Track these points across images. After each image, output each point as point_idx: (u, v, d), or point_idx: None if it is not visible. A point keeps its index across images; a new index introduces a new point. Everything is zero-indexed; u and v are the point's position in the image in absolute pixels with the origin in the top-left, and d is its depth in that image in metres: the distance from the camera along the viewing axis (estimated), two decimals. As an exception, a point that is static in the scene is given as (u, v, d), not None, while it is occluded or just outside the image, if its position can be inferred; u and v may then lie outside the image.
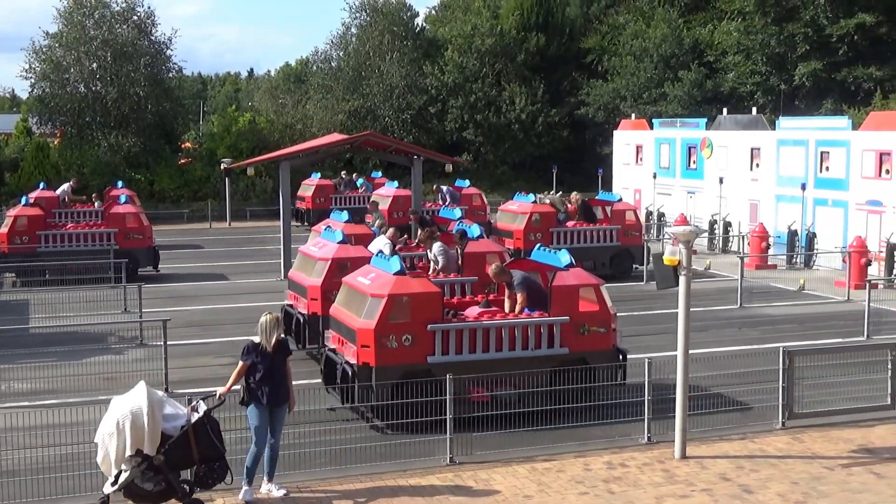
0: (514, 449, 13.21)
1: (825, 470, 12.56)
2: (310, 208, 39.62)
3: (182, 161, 50.24)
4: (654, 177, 39.77)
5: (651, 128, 42.08)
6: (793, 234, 31.16)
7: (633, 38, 54.05)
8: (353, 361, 14.09)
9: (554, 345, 14.63)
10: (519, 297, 15.06)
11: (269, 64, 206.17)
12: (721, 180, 35.35)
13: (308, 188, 41.55)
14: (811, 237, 30.83)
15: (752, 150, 35.18)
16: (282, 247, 28.32)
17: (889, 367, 14.55)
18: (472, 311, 15.19)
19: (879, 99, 41.27)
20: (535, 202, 28.01)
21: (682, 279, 12.88)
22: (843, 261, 27.30)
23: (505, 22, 58.40)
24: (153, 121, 49.99)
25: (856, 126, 31.81)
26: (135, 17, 50.17)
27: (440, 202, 35.38)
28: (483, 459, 12.87)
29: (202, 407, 11.12)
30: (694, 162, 38.66)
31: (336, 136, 34.93)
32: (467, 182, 38.02)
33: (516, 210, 28.17)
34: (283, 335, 11.75)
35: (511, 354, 14.37)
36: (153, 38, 50.85)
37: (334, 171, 48.47)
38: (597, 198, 30.35)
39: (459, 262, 18.51)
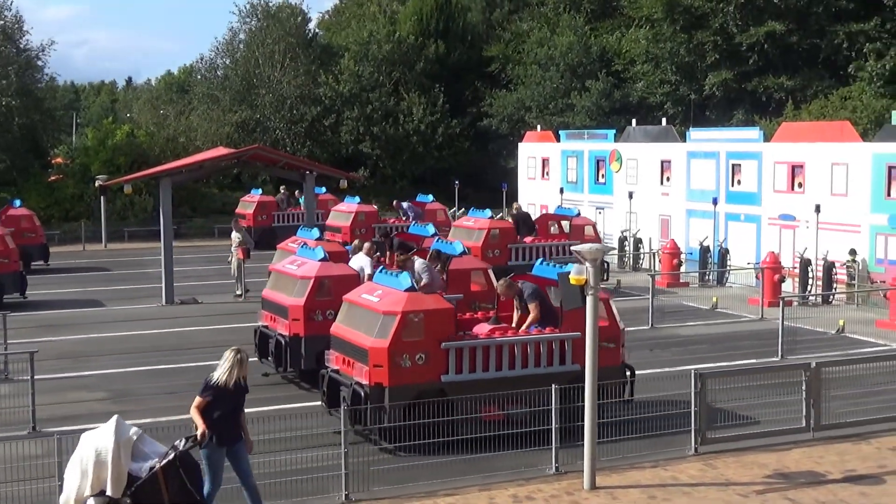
0: (414, 484, 13.11)
1: (739, 497, 12.73)
2: (251, 226, 38.90)
3: (52, 178, 49.03)
4: (562, 192, 40.24)
5: (558, 140, 42.60)
6: (705, 251, 31.82)
7: (537, 46, 54.71)
8: (365, 382, 14.35)
9: (566, 361, 15.15)
10: (532, 309, 15.48)
11: (150, 72, 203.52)
12: (631, 195, 35.93)
13: (248, 205, 40.93)
14: (724, 253, 31.50)
15: (662, 162, 35.86)
16: (163, 270, 27.81)
17: (804, 388, 14.86)
18: (482, 328, 15.49)
19: (791, 109, 42.49)
20: (491, 217, 28.44)
21: (589, 299, 12.96)
22: (757, 277, 27.95)
23: (403, 28, 58.62)
24: (21, 134, 48.71)
25: (767, 137, 32.67)
26: (0, 23, 48.91)
27: (403, 219, 35.48)
28: (379, 496, 12.74)
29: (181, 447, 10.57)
30: (603, 176, 39.22)
31: (222, 150, 34.51)
32: (430, 197, 38.14)
33: (472, 226, 28.36)
34: (244, 376, 11.35)
35: (524, 372, 14.86)
36: (22, 45, 49.62)
37: (275, 186, 47.72)
38: (553, 212, 30.69)
39: (444, 279, 18.77)
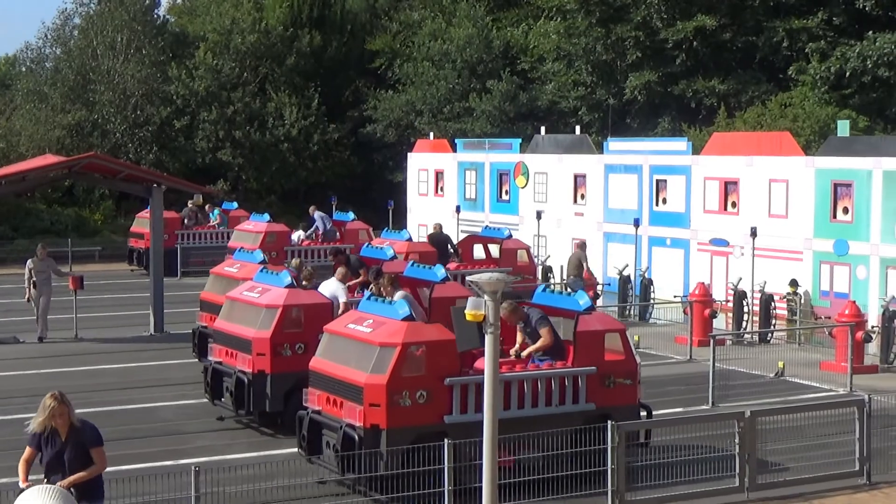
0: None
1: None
2: (150, 248, 37.63)
3: None
4: (458, 210, 40.44)
5: (454, 150, 42.84)
6: (625, 281, 32.25)
7: (430, 39, 55.01)
8: (358, 423, 14.69)
9: (579, 400, 15.86)
10: (544, 335, 16.11)
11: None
12: (539, 215, 36.29)
13: (145, 222, 39.85)
14: (646, 284, 31.96)
15: (575, 177, 36.31)
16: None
17: (737, 441, 15.11)
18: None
19: (723, 117, 43.38)
20: (409, 239, 28.54)
21: (488, 338, 12.99)
22: (685, 312, 28.41)
23: (271, 15, 58.38)
24: None
25: (697, 149, 33.34)
26: None
27: (318, 233, 35.42)
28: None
29: None
30: (506, 192, 39.53)
31: (50, 158, 33.88)
32: (351, 215, 37.91)
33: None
34: (80, 421, 11.26)
35: (535, 412, 15.51)
36: None
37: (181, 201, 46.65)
38: (480, 234, 30.78)
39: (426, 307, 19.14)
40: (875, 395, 16.63)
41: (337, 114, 57.58)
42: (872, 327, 25.76)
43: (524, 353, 16.38)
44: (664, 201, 33.26)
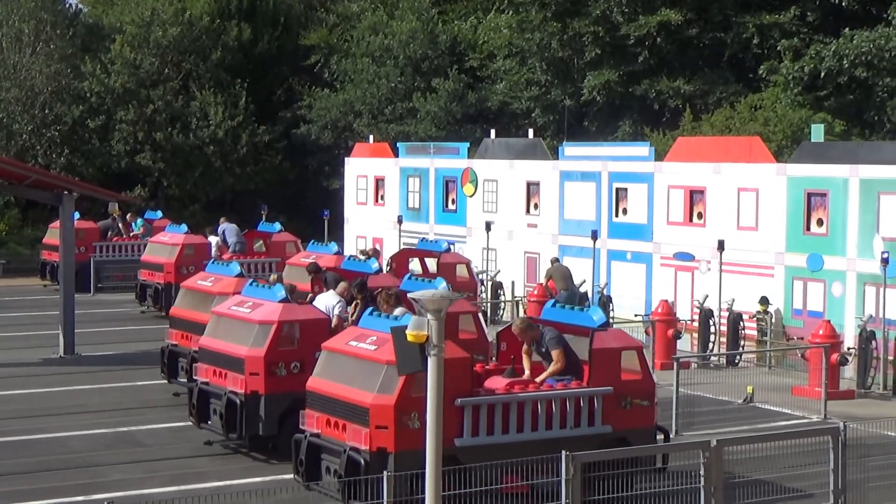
0: None
1: None
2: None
3: None
4: (400, 221, 40.44)
5: (395, 155, 42.86)
6: (582, 298, 32.36)
7: (370, 34, 55.02)
8: (364, 447, 15.13)
9: (595, 422, 16.38)
10: (556, 357, 16.63)
11: None
12: (488, 226, 36.38)
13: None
14: (605, 301, 32.10)
15: (528, 185, 36.43)
16: None
17: (702, 472, 15.19)
18: (496, 382, 16.43)
19: (689, 120, 43.65)
20: (338, 253, 28.71)
21: (431, 362, 13.01)
22: (647, 332, 28.57)
23: (195, 6, 58.15)
24: None
25: (660, 155, 33.57)
26: None
27: (218, 251, 35.30)
28: None
29: None
30: (453, 201, 39.57)
31: (-52, 161, 33.43)
32: (278, 226, 37.68)
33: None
34: None
35: (548, 434, 16.02)
36: None
37: (96, 209, 46.08)
38: (417, 247, 30.76)
39: None
40: (851, 422, 16.77)
41: (268, 114, 57.37)
42: (848, 349, 26.03)
43: (539, 379, 16.86)
44: (624, 212, 33.44)
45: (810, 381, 24.73)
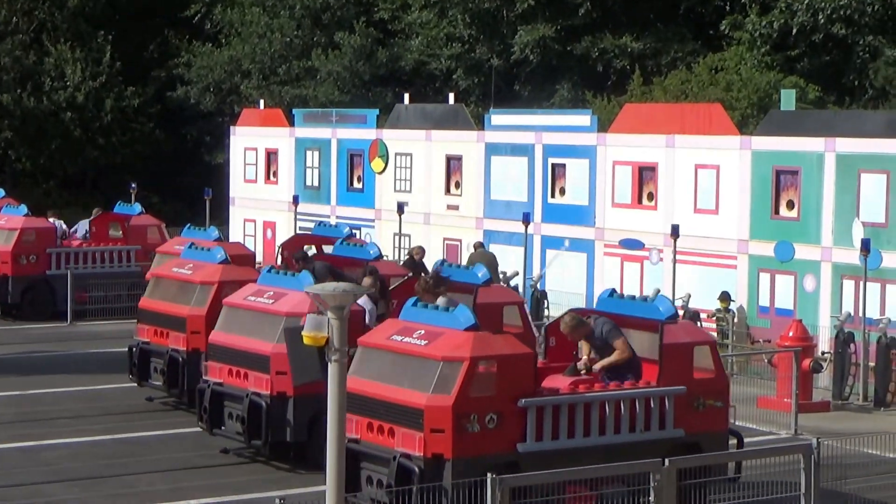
0: None
1: None
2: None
3: None
4: (295, 202, 40.27)
5: (291, 123, 42.68)
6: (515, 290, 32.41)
7: (261, -22, 54.78)
8: (417, 453, 15.75)
9: (666, 425, 17.12)
10: (619, 344, 17.40)
11: None
12: (401, 208, 36.31)
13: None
14: (539, 297, 32.15)
15: (448, 160, 36.42)
16: None
17: (651, 497, 15.30)
18: (557, 381, 17.14)
19: (638, 84, 43.85)
20: (218, 239, 28.56)
21: (332, 368, 12.98)
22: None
23: (49, -58, 57.50)
24: None
25: (604, 125, 33.70)
26: None
27: (76, 235, 35.77)
28: None
29: None
30: (359, 179, 39.47)
31: None
32: (138, 207, 37.08)
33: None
34: None
35: (616, 439, 16.79)
36: None
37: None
38: (313, 232, 30.63)
39: None
40: (826, 438, 16.93)
41: (137, 74, 56.89)
42: (823, 354, 26.26)
43: (596, 367, 17.46)
44: (562, 192, 33.53)
45: (778, 391, 24.93)
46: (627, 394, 16.97)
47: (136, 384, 24.36)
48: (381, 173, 38.45)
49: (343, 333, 13.01)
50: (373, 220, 38.32)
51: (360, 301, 20.50)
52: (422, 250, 30.65)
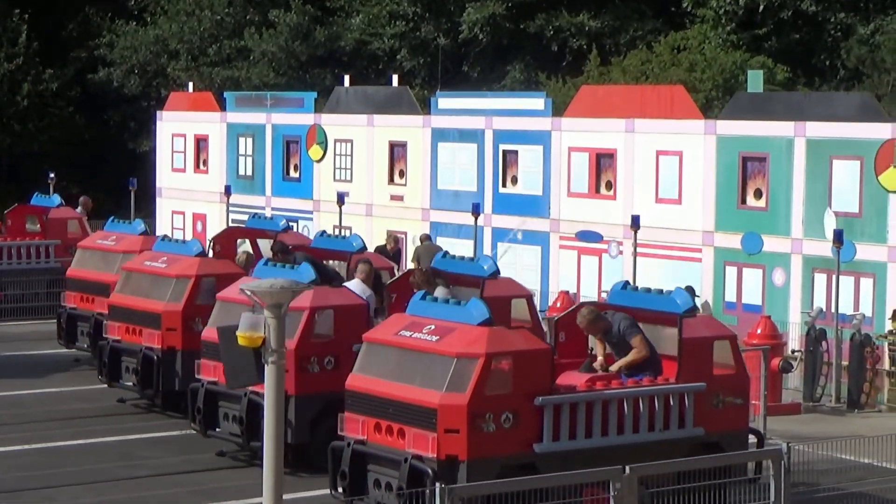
0: None
1: None
2: None
3: None
4: (228, 193, 40.14)
5: (222, 108, 42.54)
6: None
7: (190, -50, 54.58)
8: (431, 455, 15.98)
9: (686, 424, 17.46)
10: (636, 344, 17.72)
11: None
12: (341, 198, 36.25)
13: None
14: (490, 294, 32.22)
15: (392, 147, 36.38)
16: None
17: (612, 508, 15.39)
18: (573, 378, 17.42)
19: (595, 65, 43.91)
20: (144, 233, 28.50)
21: (269, 371, 12.95)
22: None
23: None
24: None
25: (559, 109, 33.75)
26: None
27: None
28: None
29: None
30: (296, 168, 39.37)
31: None
32: (56, 199, 36.78)
33: (115, 247, 29.37)
34: None
35: (635, 438, 17.08)
36: None
37: None
38: (246, 225, 30.50)
39: None
40: (796, 443, 17.01)
41: (56, 55, 56.56)
42: (793, 352, 26.41)
43: (613, 368, 17.76)
44: (514, 181, 33.56)
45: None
46: (647, 391, 17.28)
47: (105, 386, 24.48)
48: (319, 161, 38.37)
49: (281, 333, 12.99)
50: (311, 212, 38.25)
51: (360, 293, 21.02)
52: (396, 240, 30.73)
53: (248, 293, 13.07)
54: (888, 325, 26.78)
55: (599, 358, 18.15)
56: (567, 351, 18.68)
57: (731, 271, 29.17)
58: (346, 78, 40.82)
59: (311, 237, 27.84)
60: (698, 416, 17.52)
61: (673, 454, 16.28)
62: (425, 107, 37.01)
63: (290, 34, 50.83)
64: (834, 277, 26.29)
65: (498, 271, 22.41)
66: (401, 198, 36.08)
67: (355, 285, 21.55)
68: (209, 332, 20.67)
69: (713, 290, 29.31)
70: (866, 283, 27.39)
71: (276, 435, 13.20)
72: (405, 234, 35.43)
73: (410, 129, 35.96)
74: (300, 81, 48.99)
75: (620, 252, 30.67)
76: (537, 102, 33.89)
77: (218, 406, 20.44)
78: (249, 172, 40.76)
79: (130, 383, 23.75)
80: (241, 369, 13.23)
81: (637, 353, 17.69)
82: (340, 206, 35.71)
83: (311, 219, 38.12)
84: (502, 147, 33.66)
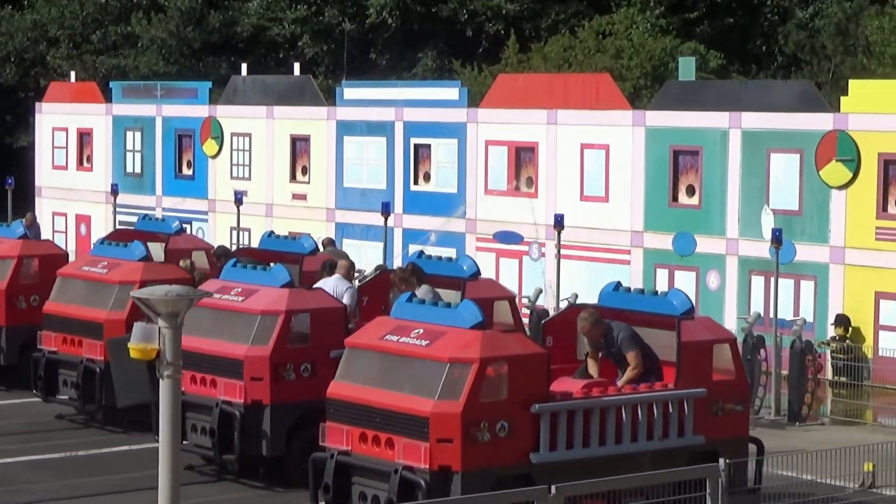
0: None
1: None
2: None
3: None
4: (114, 192, 39.92)
5: (107, 99, 42.30)
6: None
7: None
8: (422, 466, 16.09)
9: (686, 431, 17.69)
10: (632, 360, 17.87)
11: None
12: (239, 198, 36.11)
13: None
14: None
15: (294, 141, 36.30)
16: None
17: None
18: (567, 384, 17.55)
19: (514, 52, 44.01)
20: (24, 236, 28.22)
21: (164, 385, 12.87)
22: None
23: None
24: None
25: (475, 99, 33.82)
26: None
27: None
28: None
29: None
30: (189, 164, 39.20)
31: None
32: None
33: None
34: None
35: (634, 448, 17.30)
36: None
37: None
38: (137, 227, 30.32)
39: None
40: (734, 459, 17.12)
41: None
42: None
43: (620, 384, 18.02)
44: (426, 177, 33.57)
45: (679, 406, 25.19)
46: (646, 397, 17.48)
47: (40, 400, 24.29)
48: (214, 157, 38.25)
49: (177, 344, 12.90)
50: (206, 213, 38.12)
51: (336, 289, 21.19)
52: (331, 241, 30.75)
53: (140, 303, 12.96)
54: (831, 332, 27.09)
55: (592, 366, 18.29)
56: (555, 356, 18.67)
57: (661, 274, 29.31)
58: (244, 66, 40.68)
59: (206, 240, 27.72)
60: (698, 423, 17.75)
61: (672, 464, 16.50)
62: (330, 98, 36.97)
63: (182, 19, 50.66)
64: (772, 280, 26.41)
65: (479, 272, 22.75)
66: (304, 197, 36.01)
67: (335, 282, 21.74)
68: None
69: (643, 294, 29.42)
70: (807, 287, 27.63)
71: (173, 455, 13.10)
72: (309, 236, 35.32)
73: (314, 121, 35.88)
74: (193, 70, 48.82)
75: (542, 254, 30.76)
76: (451, 92, 33.90)
77: (185, 417, 19.53)
78: (138, 170, 40.54)
79: (68, 397, 23.55)
80: (133, 384, 13.20)
81: (632, 370, 17.85)
82: (238, 207, 35.56)
83: (205, 220, 37.98)
84: (414, 141, 33.65)
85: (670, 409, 17.59)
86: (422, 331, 16.96)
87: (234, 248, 35.72)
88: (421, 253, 24.21)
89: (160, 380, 12.94)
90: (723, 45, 43.50)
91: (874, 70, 39.92)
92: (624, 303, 18.73)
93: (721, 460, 16.35)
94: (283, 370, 19.60)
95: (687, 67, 31.66)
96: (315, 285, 21.78)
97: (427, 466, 16.03)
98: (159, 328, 12.86)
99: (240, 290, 20.59)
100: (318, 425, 17.53)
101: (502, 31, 45.91)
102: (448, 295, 21.04)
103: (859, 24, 42.13)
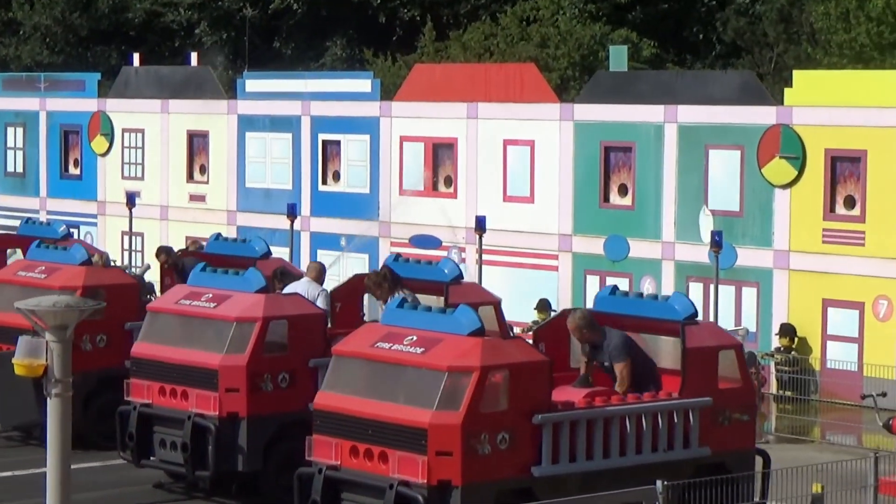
0: None
1: None
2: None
3: None
4: (-4, 193, 39.81)
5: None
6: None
7: None
8: (420, 481, 16.23)
9: (691, 443, 18.00)
10: (620, 371, 18.13)
11: None
12: (132, 199, 35.95)
13: None
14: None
15: (191, 137, 36.24)
16: None
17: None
18: (568, 393, 17.76)
19: (430, 40, 44.06)
20: None
21: (52, 405, 12.79)
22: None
23: None
24: None
25: (389, 91, 33.93)
26: None
27: None
28: None
29: None
30: (77, 163, 39.02)
31: None
32: None
33: None
34: None
35: (638, 460, 17.55)
36: None
37: None
38: (19, 232, 30.20)
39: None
40: (673, 480, 17.19)
41: None
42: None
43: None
44: (336, 177, 33.55)
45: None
46: (651, 406, 17.71)
47: None
48: (104, 155, 38.10)
49: (66, 360, 12.81)
50: (95, 216, 37.93)
51: (311, 296, 21.48)
52: (201, 248, 30.55)
53: (26, 313, 12.86)
54: (775, 342, 27.24)
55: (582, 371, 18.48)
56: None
57: (592, 281, 29.39)
58: (136, 56, 40.62)
59: (98, 246, 27.57)
60: (704, 434, 18.03)
61: (677, 477, 16.42)
62: (230, 90, 36.90)
63: (68, 4, 50.54)
64: (712, 287, 26.59)
65: (461, 275, 22.95)
66: (202, 198, 35.92)
67: (305, 285, 22.07)
68: (140, 348, 20.90)
69: (572, 302, 29.46)
70: (749, 293, 27.81)
71: (63, 479, 13.05)
72: (206, 241, 35.20)
73: (213, 116, 35.83)
74: (80, 61, 48.70)
75: (463, 259, 30.76)
76: (363, 84, 33.89)
77: (153, 432, 20.40)
78: (20, 169, 40.33)
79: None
80: (18, 404, 13.06)
81: (619, 384, 18.04)
82: (130, 209, 35.42)
83: (94, 224, 37.84)
84: (322, 137, 33.64)
85: (675, 419, 17.80)
86: (415, 338, 17.13)
87: (128, 254, 35.68)
88: (398, 256, 24.34)
89: (48, 399, 12.84)
90: (657, 32, 43.73)
91: (820, 60, 40.28)
92: (622, 308, 18.88)
93: (658, 482, 16.51)
94: (260, 380, 19.72)
95: (618, 57, 31.80)
96: (284, 288, 22.11)
97: (425, 481, 16.19)
98: (47, 342, 12.76)
99: (211, 295, 20.62)
100: (297, 438, 17.76)
101: (418, 18, 46.04)
102: (429, 300, 21.16)
103: (803, 9, 42.49)
